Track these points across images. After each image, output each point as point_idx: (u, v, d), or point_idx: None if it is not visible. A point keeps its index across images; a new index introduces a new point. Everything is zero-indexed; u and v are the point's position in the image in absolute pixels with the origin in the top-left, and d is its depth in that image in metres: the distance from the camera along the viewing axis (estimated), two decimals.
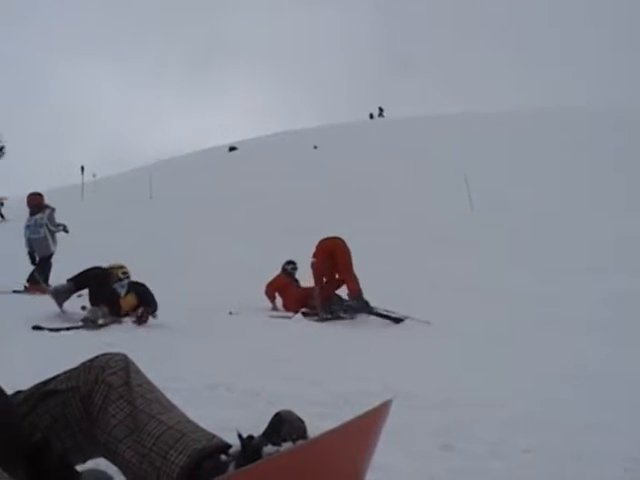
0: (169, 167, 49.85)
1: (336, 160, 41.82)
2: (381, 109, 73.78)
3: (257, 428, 2.46)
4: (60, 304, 9.79)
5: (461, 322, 10.43)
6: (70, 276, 10.21)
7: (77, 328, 9.00)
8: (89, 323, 9.25)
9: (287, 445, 2.16)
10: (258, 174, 39.80)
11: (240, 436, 2.31)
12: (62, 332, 8.72)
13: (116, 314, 9.81)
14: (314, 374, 6.08)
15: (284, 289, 13.30)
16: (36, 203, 14.24)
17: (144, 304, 9.91)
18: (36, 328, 8.66)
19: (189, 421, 2.44)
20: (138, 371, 2.57)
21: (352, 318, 11.29)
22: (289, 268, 13.92)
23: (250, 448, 2.23)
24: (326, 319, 11.38)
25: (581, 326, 9.98)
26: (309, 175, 36.89)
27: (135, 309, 10.01)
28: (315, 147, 51.62)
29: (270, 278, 13.48)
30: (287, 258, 14.01)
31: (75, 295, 10.09)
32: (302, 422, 2.28)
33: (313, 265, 12.42)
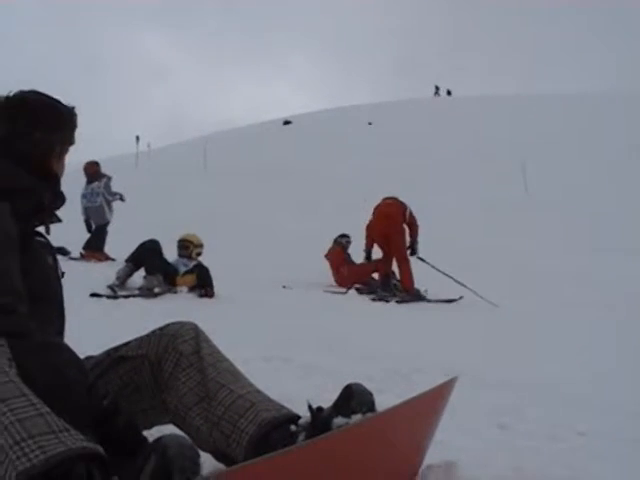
0: (224, 139, 49.88)
1: (390, 137, 41.66)
2: (449, 91, 73.20)
3: (315, 401, 2.50)
4: (123, 283, 9.88)
5: (515, 302, 10.38)
6: (124, 246, 10.37)
7: (134, 296, 9.13)
8: (145, 291, 9.37)
9: (356, 417, 2.19)
10: (312, 149, 39.80)
11: (310, 407, 2.35)
12: (120, 299, 8.86)
13: (171, 284, 9.93)
14: (368, 350, 6.11)
15: (339, 264, 13.25)
16: (92, 172, 14.36)
17: (201, 285, 10.01)
18: (94, 295, 8.78)
19: (258, 391, 2.49)
20: (208, 340, 2.62)
21: (406, 302, 11.16)
22: (344, 241, 13.87)
23: (320, 419, 2.27)
24: (383, 298, 11.34)
25: (630, 309, 9.86)
26: (363, 151, 36.80)
27: (192, 288, 10.11)
28: (370, 123, 51.42)
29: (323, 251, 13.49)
30: (339, 233, 13.97)
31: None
32: (371, 395, 2.31)
33: (368, 227, 12.59)
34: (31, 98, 2.68)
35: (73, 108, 2.77)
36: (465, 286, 11.03)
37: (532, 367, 5.75)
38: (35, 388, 1.94)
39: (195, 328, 2.64)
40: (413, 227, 12.21)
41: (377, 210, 12.45)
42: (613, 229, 20.49)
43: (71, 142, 2.81)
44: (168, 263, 10.10)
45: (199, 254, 10.71)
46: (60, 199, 2.73)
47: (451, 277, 11.55)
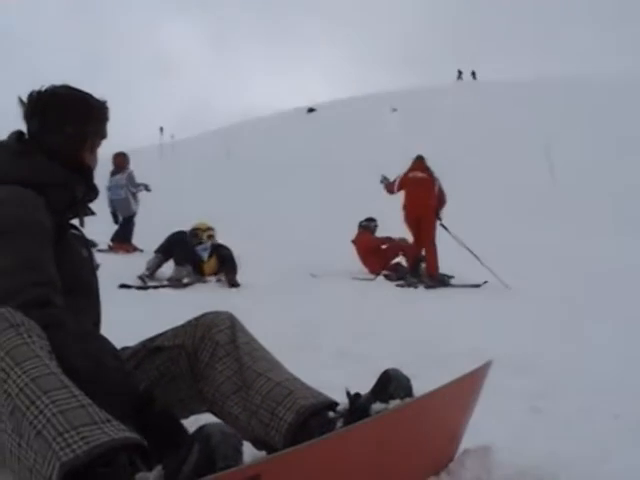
0: (247, 128, 49.96)
1: (415, 123, 41.53)
2: (474, 72, 72.58)
3: (348, 387, 2.52)
4: (153, 273, 9.93)
5: (543, 289, 10.33)
6: (151, 237, 10.43)
7: (163, 287, 9.21)
8: (174, 282, 9.43)
9: (395, 403, 2.21)
10: (336, 136, 39.76)
11: (348, 393, 2.37)
12: (150, 290, 8.92)
13: (199, 274, 9.98)
14: (399, 335, 6.12)
15: (368, 251, 13.07)
16: (118, 162, 14.40)
17: (225, 269, 10.03)
18: (123, 286, 8.85)
19: (295, 378, 2.51)
20: (244, 329, 2.64)
21: (433, 287, 11.16)
22: (372, 225, 13.73)
23: (358, 405, 2.28)
24: (412, 284, 11.36)
25: None
26: (387, 138, 36.74)
27: (217, 273, 10.16)
28: (394, 110, 51.28)
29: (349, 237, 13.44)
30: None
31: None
32: (408, 380, 2.33)
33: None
34: (62, 92, 2.71)
35: (105, 102, 2.80)
36: (481, 262, 11.08)
37: (562, 352, 5.72)
38: (74, 377, 1.96)
39: (231, 317, 2.66)
40: (442, 201, 12.24)
41: (408, 184, 12.36)
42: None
43: (103, 135, 2.84)
44: (195, 253, 10.12)
45: (210, 236, 10.65)
46: (94, 192, 2.77)
47: (470, 250, 11.55)
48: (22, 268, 2.27)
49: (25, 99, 2.68)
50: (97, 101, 2.77)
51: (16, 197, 2.44)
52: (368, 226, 13.69)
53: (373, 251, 12.96)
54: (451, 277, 11.61)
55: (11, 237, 2.33)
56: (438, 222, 12.09)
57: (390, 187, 12.70)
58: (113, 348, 2.39)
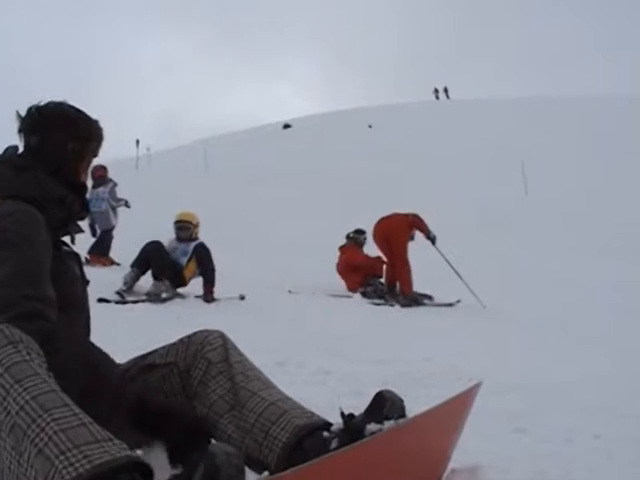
0: (224, 142, 49.98)
1: (390, 140, 41.69)
2: (446, 89, 72.86)
3: (332, 406, 2.55)
4: (131, 288, 9.86)
5: (517, 306, 10.43)
6: (128, 250, 10.39)
7: (142, 301, 9.15)
8: (152, 297, 9.39)
9: (389, 423, 2.23)
10: (312, 152, 39.80)
11: (342, 414, 2.38)
12: (128, 305, 8.88)
13: (179, 285, 9.93)
14: (380, 354, 6.13)
15: (353, 267, 12.71)
16: (98, 176, 14.30)
17: (204, 279, 9.97)
18: (102, 300, 8.78)
19: (289, 398, 2.52)
20: (236, 348, 2.66)
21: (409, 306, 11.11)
22: (361, 238, 13.27)
23: (353, 426, 2.30)
24: (389, 302, 11.35)
25: (636, 312, 9.86)
26: (363, 154, 36.83)
27: (194, 275, 10.12)
28: (370, 126, 51.45)
29: (327, 252, 13.24)
30: (340, 237, 13.64)
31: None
32: (402, 401, 2.35)
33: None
34: (65, 110, 2.76)
35: (97, 121, 2.84)
36: (463, 280, 11.19)
37: (541, 371, 5.78)
38: (72, 387, 1.98)
39: (222, 336, 2.67)
40: (421, 224, 12.07)
41: (377, 224, 12.40)
42: (612, 232, 20.55)
43: (95, 154, 2.87)
44: (173, 263, 10.05)
45: (196, 233, 10.56)
46: (85, 209, 2.80)
47: (453, 268, 11.63)
48: (20, 282, 2.29)
49: (23, 113, 2.71)
50: (95, 121, 2.82)
51: (22, 213, 2.47)
52: (357, 239, 13.20)
53: (355, 267, 12.67)
54: (429, 297, 11.61)
55: (14, 251, 2.36)
56: (432, 244, 12.05)
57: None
58: (109, 358, 2.43)
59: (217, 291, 9.82)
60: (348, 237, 13.34)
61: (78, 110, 2.79)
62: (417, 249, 11.92)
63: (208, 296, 9.72)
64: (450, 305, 10.95)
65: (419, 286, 11.57)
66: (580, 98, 55.93)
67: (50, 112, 2.72)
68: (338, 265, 12.88)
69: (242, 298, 9.82)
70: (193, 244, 10.26)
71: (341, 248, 13.13)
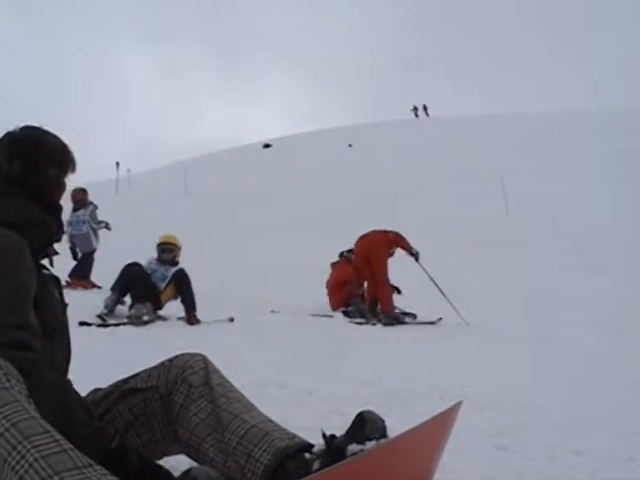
0: (204, 163, 49.99)
1: (371, 159, 41.84)
2: (425, 107, 73.01)
3: (315, 427, 2.55)
4: (112, 311, 9.80)
5: (501, 323, 10.43)
6: (108, 272, 10.37)
7: (124, 324, 9.13)
8: (134, 319, 9.36)
9: (371, 444, 2.24)
10: (292, 172, 39.92)
11: (324, 435, 2.39)
12: (110, 328, 8.85)
13: (157, 308, 9.91)
14: (361, 374, 6.12)
15: (340, 285, 12.53)
16: (79, 199, 14.35)
17: (184, 304, 9.96)
18: (83, 324, 8.74)
19: (270, 420, 2.53)
20: (217, 371, 2.67)
21: (391, 324, 10.93)
22: (354, 257, 12.79)
23: (334, 447, 2.31)
24: (370, 321, 11.20)
25: (624, 328, 9.91)
26: (343, 173, 36.92)
27: (171, 299, 10.12)
28: (350, 145, 51.59)
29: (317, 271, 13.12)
30: (321, 256, 13.60)
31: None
32: (383, 422, 2.36)
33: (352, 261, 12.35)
34: (46, 137, 2.79)
35: (67, 146, 2.86)
36: (447, 298, 11.10)
37: (523, 389, 5.78)
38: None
39: (204, 359, 2.69)
40: (402, 241, 11.91)
41: (357, 242, 12.24)
42: (594, 246, 20.69)
43: (68, 177, 2.89)
44: (152, 286, 10.03)
45: (179, 256, 10.61)
46: (61, 230, 2.81)
47: (438, 286, 11.48)
48: (3, 310, 2.28)
49: None
50: (67, 145, 2.83)
51: (4, 239, 2.47)
52: (349, 257, 12.98)
53: (344, 282, 12.51)
54: (413, 315, 11.49)
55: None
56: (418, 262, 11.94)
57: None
58: (83, 402, 2.40)
59: (202, 314, 9.79)
60: (341, 255, 13.31)
61: (55, 136, 2.82)
62: (399, 266, 11.83)
63: (192, 319, 9.70)
64: (432, 323, 10.86)
65: (402, 304, 11.52)
66: (557, 114, 56.26)
67: (28, 138, 2.74)
68: (328, 282, 12.81)
69: (231, 320, 9.80)
70: (173, 270, 10.25)
71: (333, 265, 13.11)
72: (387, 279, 11.67)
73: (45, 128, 2.81)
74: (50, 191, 2.77)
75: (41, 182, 2.72)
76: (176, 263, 10.46)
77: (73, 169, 2.87)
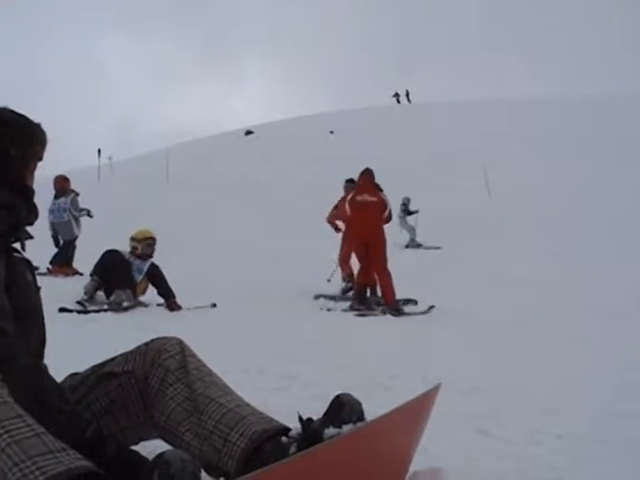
0: (185, 151, 49.77)
1: (352, 145, 41.80)
2: (408, 92, 72.70)
3: (294, 411, 2.53)
4: (92, 297, 9.78)
5: (482, 309, 10.41)
6: (90, 259, 10.36)
7: (104, 311, 9.09)
8: (114, 306, 9.33)
9: (348, 427, 2.23)
10: (274, 158, 39.88)
11: (301, 418, 2.37)
12: (91, 314, 8.82)
13: (135, 297, 9.91)
14: (343, 359, 6.14)
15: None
16: (60, 187, 14.38)
17: (163, 293, 9.96)
18: (63, 310, 8.72)
19: (247, 404, 2.51)
20: (194, 355, 2.64)
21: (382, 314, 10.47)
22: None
23: (311, 430, 2.29)
24: (359, 311, 10.62)
25: (602, 312, 9.94)
26: (325, 160, 36.92)
27: (144, 292, 10.13)
28: (331, 132, 51.55)
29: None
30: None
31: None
32: (360, 405, 2.35)
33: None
34: (6, 116, 2.70)
35: (39, 124, 2.79)
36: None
37: (504, 373, 5.80)
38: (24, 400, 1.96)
39: (180, 343, 2.66)
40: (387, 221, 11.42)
41: (355, 208, 11.35)
42: (575, 232, 20.77)
43: (40, 158, 2.82)
44: (131, 277, 10.02)
45: (150, 245, 10.56)
46: (34, 213, 2.75)
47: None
48: None
49: None
50: (37, 124, 2.77)
51: None
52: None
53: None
54: (414, 301, 11.15)
55: None
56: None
57: (336, 218, 12.36)
58: (59, 387, 2.36)
59: (184, 301, 9.82)
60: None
61: (19, 115, 2.72)
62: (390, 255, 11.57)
63: (172, 305, 9.71)
64: (424, 313, 10.39)
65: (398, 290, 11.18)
66: (539, 100, 56.34)
67: None
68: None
69: (214, 306, 9.80)
70: (147, 263, 10.29)
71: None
72: (386, 266, 11.08)
73: (10, 108, 2.75)
74: (15, 171, 2.67)
75: (4, 162, 2.63)
76: (151, 256, 10.45)
77: (40, 146, 2.79)
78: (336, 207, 12.75)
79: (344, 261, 12.76)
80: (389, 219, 11.56)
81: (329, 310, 10.80)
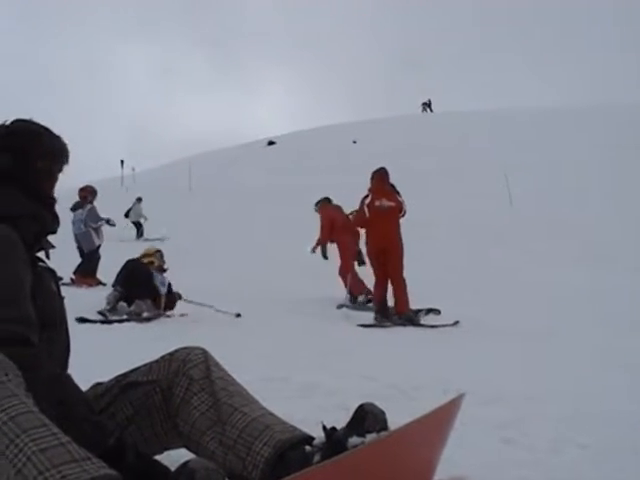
0: (208, 160, 49.91)
1: (375, 155, 41.75)
2: (430, 102, 72.62)
3: (318, 420, 2.53)
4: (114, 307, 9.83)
5: (504, 317, 10.39)
6: (114, 269, 10.44)
7: (124, 321, 9.14)
8: (134, 316, 9.38)
9: (371, 436, 2.22)
10: (296, 168, 39.90)
11: (325, 427, 2.37)
12: (113, 324, 8.87)
13: (157, 308, 9.97)
14: (365, 369, 6.10)
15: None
16: (80, 197, 14.55)
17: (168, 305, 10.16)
18: (85, 321, 8.75)
19: (271, 413, 2.51)
20: (217, 364, 2.65)
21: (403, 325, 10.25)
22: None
23: (335, 440, 2.29)
24: (383, 325, 10.33)
25: (630, 321, 9.88)
26: (348, 170, 36.89)
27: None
28: (354, 142, 51.49)
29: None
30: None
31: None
32: (384, 414, 2.34)
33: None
34: (34, 129, 2.76)
35: (60, 138, 2.84)
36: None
37: (527, 382, 5.77)
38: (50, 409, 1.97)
39: (204, 352, 2.67)
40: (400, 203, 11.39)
41: (373, 214, 11.19)
42: (598, 240, 20.67)
43: (61, 170, 2.87)
44: (155, 288, 10.09)
45: (151, 262, 10.73)
46: (56, 222, 2.79)
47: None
48: (0, 304, 2.27)
49: None
50: (58, 137, 2.81)
51: None
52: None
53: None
54: (437, 310, 10.95)
55: None
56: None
57: (359, 223, 11.91)
58: (83, 396, 2.37)
59: (209, 309, 10.01)
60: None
61: (45, 128, 2.80)
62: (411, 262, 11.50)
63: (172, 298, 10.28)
64: (448, 326, 9.98)
65: (416, 301, 10.94)
66: (561, 108, 56.20)
67: (18, 130, 2.73)
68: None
69: (238, 316, 9.83)
70: (167, 280, 10.50)
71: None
72: (402, 274, 10.96)
73: (35, 121, 2.80)
74: (41, 183, 2.75)
75: (30, 174, 2.70)
76: (165, 270, 10.68)
77: (66, 160, 2.85)
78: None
79: (344, 275, 12.81)
80: (404, 215, 11.44)
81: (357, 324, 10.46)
